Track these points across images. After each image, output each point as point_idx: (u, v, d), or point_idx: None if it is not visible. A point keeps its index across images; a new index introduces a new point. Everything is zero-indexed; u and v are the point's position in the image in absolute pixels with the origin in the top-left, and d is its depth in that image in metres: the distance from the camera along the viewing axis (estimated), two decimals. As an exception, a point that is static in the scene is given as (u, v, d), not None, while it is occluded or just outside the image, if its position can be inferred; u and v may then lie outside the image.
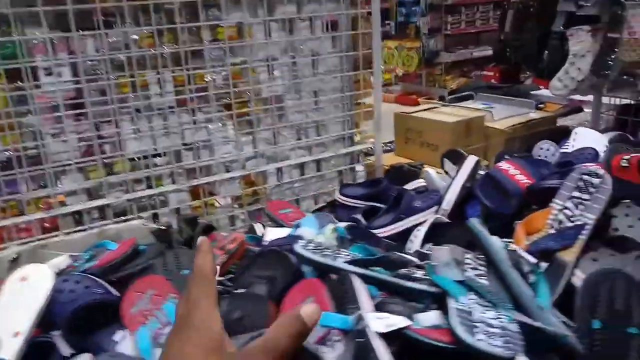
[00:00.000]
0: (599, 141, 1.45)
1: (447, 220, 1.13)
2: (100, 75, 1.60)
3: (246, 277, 0.83)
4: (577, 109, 2.37)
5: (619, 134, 1.47)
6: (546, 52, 1.81)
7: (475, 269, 0.74)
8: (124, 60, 1.62)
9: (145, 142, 1.74)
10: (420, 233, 1.12)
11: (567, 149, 1.48)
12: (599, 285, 0.67)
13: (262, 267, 0.82)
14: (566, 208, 0.79)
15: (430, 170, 1.29)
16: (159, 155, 1.77)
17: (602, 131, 1.72)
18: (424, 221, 1.15)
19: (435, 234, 1.12)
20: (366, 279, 0.72)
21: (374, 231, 1.20)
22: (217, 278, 0.84)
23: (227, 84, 1.80)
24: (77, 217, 1.71)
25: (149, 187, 1.79)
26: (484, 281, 0.71)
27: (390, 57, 6.39)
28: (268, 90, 1.89)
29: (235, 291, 0.82)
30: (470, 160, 1.18)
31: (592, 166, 0.78)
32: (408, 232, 1.18)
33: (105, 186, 1.69)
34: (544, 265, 0.78)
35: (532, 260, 0.77)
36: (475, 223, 0.78)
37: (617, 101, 1.93)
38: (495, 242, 0.77)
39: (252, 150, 1.92)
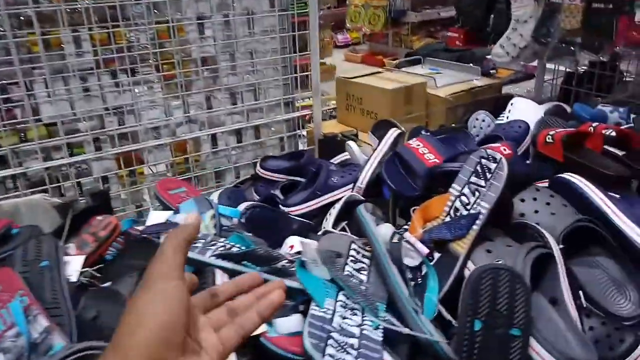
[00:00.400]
0: (535, 113, 1.40)
1: (362, 198, 1.06)
2: (3, 31, 1.45)
3: (116, 267, 0.75)
4: (529, 75, 2.31)
5: (556, 105, 1.42)
6: (492, 16, 1.73)
7: (358, 261, 0.68)
8: (33, 16, 1.47)
9: (62, 107, 1.61)
10: (334, 212, 1.06)
11: (502, 120, 1.42)
12: (482, 283, 0.62)
13: (133, 257, 0.74)
14: (463, 194, 0.72)
15: (352, 144, 1.21)
16: (78, 120, 1.65)
17: (543, 102, 1.66)
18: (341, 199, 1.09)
19: (350, 213, 1.06)
20: (236, 275, 0.65)
21: (288, 209, 1.13)
22: (83, 269, 0.75)
23: (152, 43, 1.66)
24: (-13, 188, 1.59)
25: (71, 155, 1.68)
26: (362, 276, 0.65)
27: (357, 16, 6.19)
28: (199, 51, 1.76)
29: (103, 285, 0.74)
30: (390, 134, 1.11)
31: (490, 149, 0.71)
32: (328, 208, 1.12)
33: (13, 154, 1.57)
34: (438, 256, 0.72)
35: (424, 250, 0.71)
36: (361, 210, 0.71)
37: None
38: (379, 232, 0.70)
39: (183, 116, 1.81)
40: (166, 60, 1.69)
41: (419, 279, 0.70)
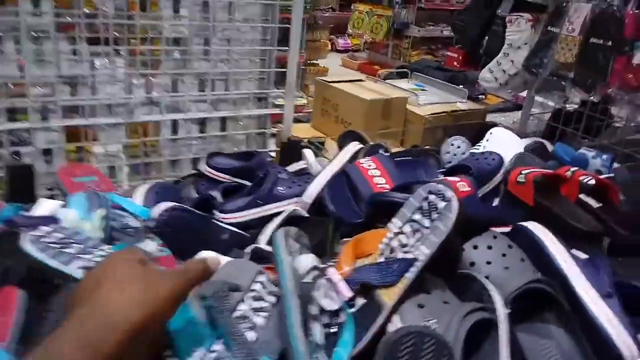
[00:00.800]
0: (515, 146, 1.29)
1: (305, 214, 0.94)
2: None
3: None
4: (517, 106, 2.21)
5: (537, 141, 1.31)
6: (487, 37, 1.63)
7: (260, 299, 0.55)
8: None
9: (10, 68, 1.48)
10: (271, 226, 0.94)
11: (477, 149, 1.32)
12: (400, 350, 0.50)
13: (-2, 253, 0.61)
14: (403, 233, 0.61)
15: (308, 152, 1.09)
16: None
17: (527, 136, 1.56)
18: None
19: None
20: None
21: (223, 215, 1.01)
22: None
23: (120, 14, 1.53)
24: None
25: (12, 120, 1.53)
26: (259, 320, 0.53)
27: (360, 22, 6.11)
28: (171, 30, 1.63)
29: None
30: (349, 148, 0.99)
31: (445, 183, 0.59)
32: (270, 220, 1.00)
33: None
34: (362, 303, 0.60)
35: (345, 294, 0.59)
36: (278, 235, 0.59)
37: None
38: (298, 265, 0.58)
39: (145, 96, 1.67)
40: (134, 34, 1.56)
41: (335, 327, 0.58)
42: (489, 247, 0.71)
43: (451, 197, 0.57)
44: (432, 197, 0.60)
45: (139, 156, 1.72)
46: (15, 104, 1.48)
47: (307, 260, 0.61)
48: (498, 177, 1.06)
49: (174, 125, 1.75)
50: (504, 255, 0.70)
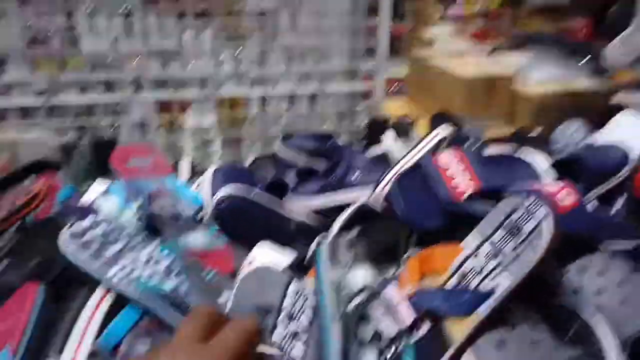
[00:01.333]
0: (646, 137, 1.07)
1: (377, 209, 0.83)
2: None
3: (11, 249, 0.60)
4: (655, 83, 1.87)
5: (678, 130, 1.07)
6: (614, 5, 1.37)
7: (294, 318, 0.47)
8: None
9: (103, 42, 1.51)
10: (340, 219, 0.84)
11: (596, 138, 1.11)
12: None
13: (32, 243, 0.58)
14: (478, 255, 0.48)
15: (388, 135, 0.97)
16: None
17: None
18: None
19: (362, 225, 0.84)
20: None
21: (296, 201, 0.93)
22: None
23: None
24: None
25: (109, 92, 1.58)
26: (297, 351, 0.44)
27: (472, -12, 5.68)
28: (257, 3, 1.57)
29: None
30: (434, 134, 0.86)
31: (534, 196, 0.45)
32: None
33: (52, 83, 1.49)
34: (426, 329, 0.49)
35: (406, 320, 0.49)
36: (322, 250, 0.50)
37: None
38: (351, 281, 0.49)
39: (233, 69, 1.64)
40: (219, 7, 1.52)
41: (393, 357, 0.48)
42: (601, 273, 0.55)
43: (543, 217, 0.44)
44: (518, 214, 0.46)
45: (229, 131, 1.71)
46: (109, 78, 1.52)
47: (361, 274, 0.51)
48: (621, 176, 0.87)
49: (263, 100, 1.71)
50: (621, 283, 0.55)
